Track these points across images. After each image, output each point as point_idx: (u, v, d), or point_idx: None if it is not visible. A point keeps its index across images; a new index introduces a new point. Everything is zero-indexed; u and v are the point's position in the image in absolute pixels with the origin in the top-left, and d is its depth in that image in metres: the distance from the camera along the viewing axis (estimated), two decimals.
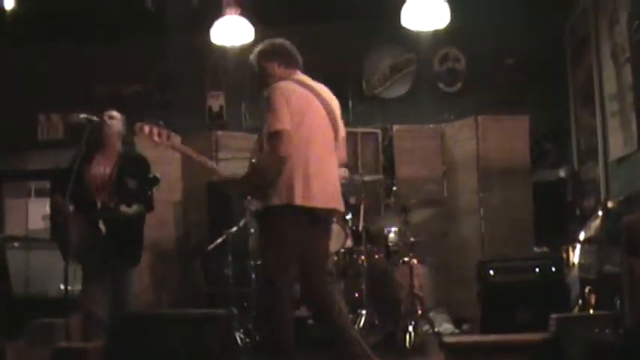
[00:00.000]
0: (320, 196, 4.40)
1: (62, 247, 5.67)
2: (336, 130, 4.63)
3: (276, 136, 4.28)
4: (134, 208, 5.70)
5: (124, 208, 5.61)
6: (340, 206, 4.61)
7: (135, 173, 5.76)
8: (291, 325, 4.35)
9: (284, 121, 4.30)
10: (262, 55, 4.71)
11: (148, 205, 5.86)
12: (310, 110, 4.50)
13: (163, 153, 7.65)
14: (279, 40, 4.79)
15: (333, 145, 4.62)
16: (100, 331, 5.37)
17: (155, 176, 5.80)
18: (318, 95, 4.59)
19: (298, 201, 4.33)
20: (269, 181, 4.34)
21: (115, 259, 5.58)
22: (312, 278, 4.49)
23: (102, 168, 5.72)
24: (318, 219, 4.47)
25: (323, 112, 4.58)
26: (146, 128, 4.71)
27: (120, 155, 5.79)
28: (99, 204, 5.54)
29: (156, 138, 4.69)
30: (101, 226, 5.52)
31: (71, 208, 5.45)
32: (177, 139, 5.13)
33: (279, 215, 4.36)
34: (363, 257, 6.48)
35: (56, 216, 5.75)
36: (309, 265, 4.46)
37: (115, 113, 5.90)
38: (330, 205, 4.50)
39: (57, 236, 5.85)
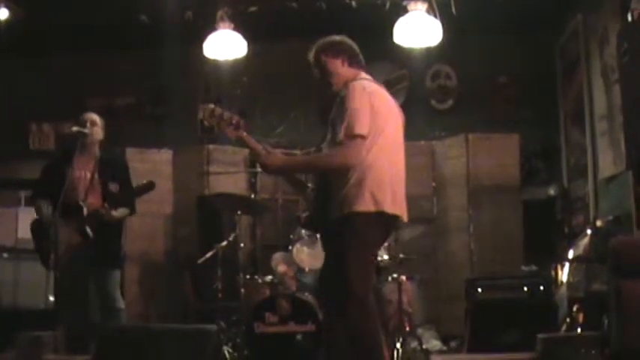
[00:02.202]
0: (401, 205, 4.23)
1: (43, 255, 5.62)
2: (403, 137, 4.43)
3: (351, 140, 4.04)
4: (121, 212, 5.72)
5: (114, 213, 5.59)
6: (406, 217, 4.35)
7: (115, 176, 5.77)
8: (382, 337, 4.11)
9: (364, 126, 4.04)
10: (323, 50, 4.40)
11: (132, 208, 5.86)
12: (392, 114, 4.30)
13: (153, 166, 7.71)
14: (341, 37, 4.48)
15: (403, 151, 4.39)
16: (86, 342, 5.36)
17: (150, 182, 5.65)
18: (391, 99, 4.39)
19: (388, 208, 4.11)
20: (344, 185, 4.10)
21: (98, 263, 5.62)
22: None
23: (82, 172, 5.69)
24: (394, 228, 4.35)
25: (399, 117, 4.38)
26: (210, 111, 4.35)
27: (98, 160, 5.76)
28: (85, 210, 5.51)
29: (222, 125, 4.33)
30: (88, 231, 5.48)
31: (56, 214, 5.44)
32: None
33: (366, 222, 4.08)
34: None
35: (37, 224, 5.70)
36: None
37: (95, 118, 5.85)
38: (404, 215, 4.28)
39: (38, 244, 5.71)
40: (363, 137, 4.06)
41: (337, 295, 4.10)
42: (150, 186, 5.62)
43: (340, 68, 4.36)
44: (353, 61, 4.40)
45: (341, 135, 4.07)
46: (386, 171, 4.15)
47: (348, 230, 4.10)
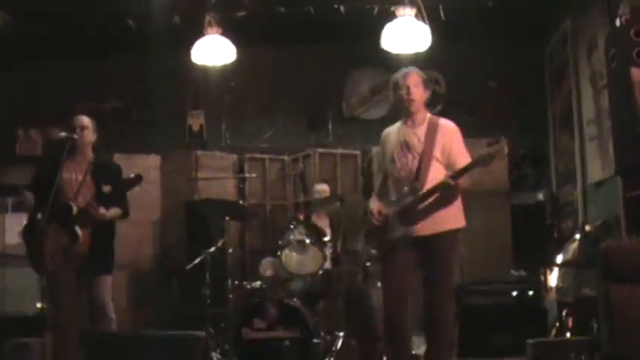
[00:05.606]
0: None
1: (34, 261, 5.54)
2: None
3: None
4: (112, 211, 5.60)
5: (102, 210, 5.46)
6: None
7: (108, 179, 5.63)
8: None
9: None
10: (426, 82, 5.24)
11: (125, 210, 5.75)
12: None
13: (141, 171, 7.65)
14: None
15: None
16: (75, 349, 5.30)
17: (138, 175, 5.52)
18: None
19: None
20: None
21: (89, 266, 5.49)
22: None
23: (73, 175, 5.60)
24: None
25: None
26: None
27: (91, 163, 5.69)
28: (75, 209, 5.40)
29: None
30: (78, 231, 5.37)
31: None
32: None
33: (458, 237, 5.02)
34: (341, 279, 6.48)
35: (28, 229, 5.58)
36: None
37: (86, 122, 5.74)
38: None
39: (30, 250, 5.57)
40: None
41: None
42: (137, 179, 5.49)
43: (423, 102, 5.24)
44: None
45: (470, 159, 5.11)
46: None
47: (448, 247, 4.97)
